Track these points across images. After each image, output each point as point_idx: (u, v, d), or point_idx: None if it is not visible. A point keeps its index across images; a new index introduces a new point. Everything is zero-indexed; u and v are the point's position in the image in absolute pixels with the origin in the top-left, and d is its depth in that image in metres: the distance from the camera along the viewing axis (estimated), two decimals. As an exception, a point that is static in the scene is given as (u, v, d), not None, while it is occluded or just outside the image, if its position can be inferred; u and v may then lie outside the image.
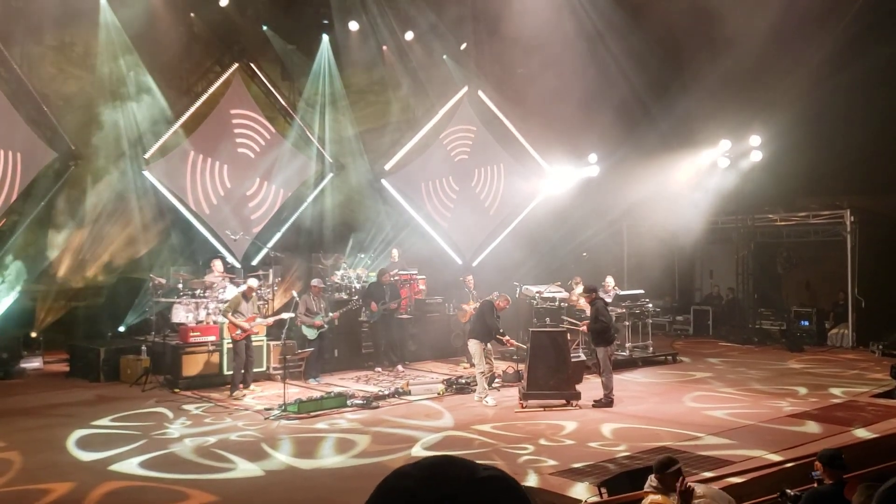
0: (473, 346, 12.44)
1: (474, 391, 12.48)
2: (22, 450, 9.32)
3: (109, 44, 15.98)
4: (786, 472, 7.61)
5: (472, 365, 13.16)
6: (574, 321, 14.21)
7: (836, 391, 13.03)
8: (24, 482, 8.13)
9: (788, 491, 5.68)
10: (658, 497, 5.32)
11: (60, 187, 15.74)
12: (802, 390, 13.16)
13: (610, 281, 16.48)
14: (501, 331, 12.49)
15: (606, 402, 11.97)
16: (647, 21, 18.36)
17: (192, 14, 16.99)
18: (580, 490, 7.73)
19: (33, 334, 15.27)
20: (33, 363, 14.98)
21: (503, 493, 1.21)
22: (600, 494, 6.88)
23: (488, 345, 12.48)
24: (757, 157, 19.48)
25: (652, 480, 5.71)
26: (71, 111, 16.05)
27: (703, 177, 20.19)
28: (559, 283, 16.58)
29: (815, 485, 5.69)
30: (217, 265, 15.00)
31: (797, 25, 16.61)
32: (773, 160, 19.20)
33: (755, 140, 19.42)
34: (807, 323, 19.53)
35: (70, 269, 16.32)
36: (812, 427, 10.47)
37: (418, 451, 9.39)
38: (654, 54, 18.62)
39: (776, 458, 8.73)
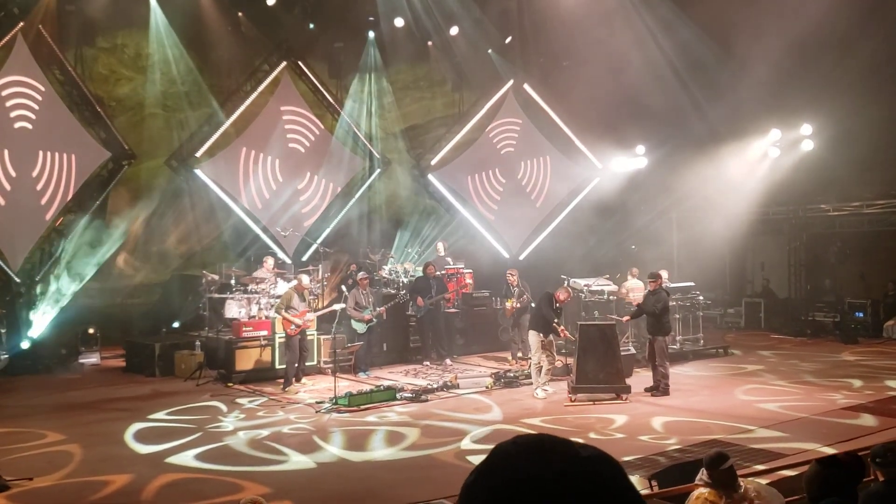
0: (532, 337, 12.43)
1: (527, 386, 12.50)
2: (82, 442, 9.56)
3: (160, 45, 16.27)
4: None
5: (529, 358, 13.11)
6: (616, 317, 14.08)
7: (892, 383, 12.76)
8: (84, 474, 8.34)
9: None
10: (705, 490, 5.28)
11: (114, 187, 16.08)
12: (857, 383, 12.92)
13: (664, 274, 16.18)
14: (556, 321, 12.29)
15: (664, 390, 11.93)
16: (694, 9, 18.11)
17: (240, 14, 17.23)
18: (630, 483, 7.69)
19: (90, 331, 15.66)
20: (91, 359, 15.38)
21: (609, 473, 1.20)
22: (651, 487, 6.85)
23: (550, 336, 12.41)
24: (808, 146, 19.13)
25: (703, 474, 5.67)
26: (123, 112, 16.41)
27: (753, 167, 19.89)
28: (607, 276, 16.45)
29: None
30: (268, 262, 15.22)
31: (848, 11, 16.24)
32: (824, 149, 18.80)
33: (806, 129, 19.08)
34: (861, 314, 19.13)
35: (125, 266, 16.69)
36: (868, 420, 10.29)
37: (468, 445, 9.43)
38: (701, 43, 18.35)
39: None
